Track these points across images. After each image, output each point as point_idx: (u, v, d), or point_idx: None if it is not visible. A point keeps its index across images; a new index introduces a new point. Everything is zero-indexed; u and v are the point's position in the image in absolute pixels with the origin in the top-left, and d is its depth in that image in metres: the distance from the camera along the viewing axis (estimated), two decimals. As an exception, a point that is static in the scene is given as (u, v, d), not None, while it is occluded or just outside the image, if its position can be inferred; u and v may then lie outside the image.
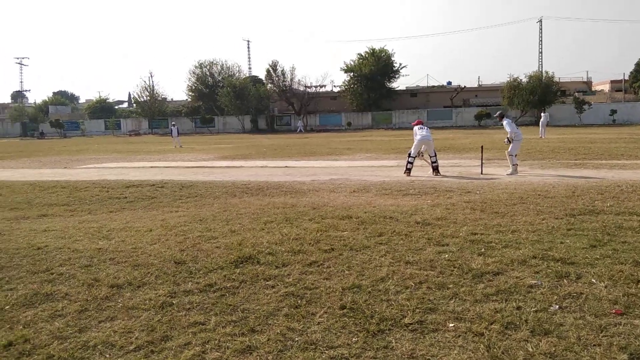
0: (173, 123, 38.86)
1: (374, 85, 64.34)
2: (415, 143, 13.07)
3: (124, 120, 75.30)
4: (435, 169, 12.97)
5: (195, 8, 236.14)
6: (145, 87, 72.84)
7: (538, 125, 32.09)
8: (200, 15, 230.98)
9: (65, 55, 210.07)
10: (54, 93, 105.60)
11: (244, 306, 4.22)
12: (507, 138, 12.94)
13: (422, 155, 13.47)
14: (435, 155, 13.15)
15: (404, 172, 12.98)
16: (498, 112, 14.13)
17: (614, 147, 20.41)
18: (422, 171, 13.38)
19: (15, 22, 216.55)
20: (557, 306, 4.02)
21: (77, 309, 4.25)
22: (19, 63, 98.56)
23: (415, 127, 13.49)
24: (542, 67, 73.12)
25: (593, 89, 77.58)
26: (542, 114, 32.11)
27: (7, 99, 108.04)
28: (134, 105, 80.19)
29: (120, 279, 4.97)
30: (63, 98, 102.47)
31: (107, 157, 23.40)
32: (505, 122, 13.16)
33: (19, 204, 9.92)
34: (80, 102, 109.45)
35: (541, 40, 77.58)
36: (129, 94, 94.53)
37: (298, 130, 60.02)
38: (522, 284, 4.52)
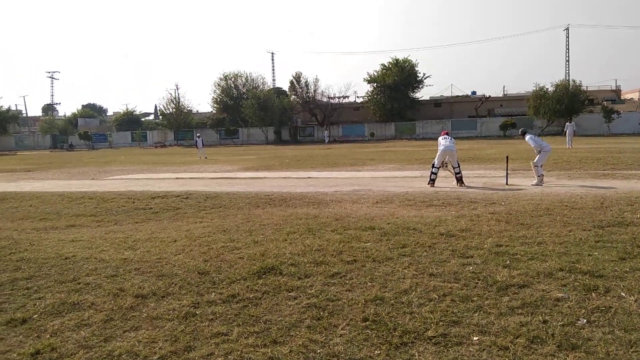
0: (198, 134, 39.59)
1: (397, 95, 64.16)
2: (438, 153, 13.01)
3: (150, 132, 76.57)
4: (459, 180, 12.84)
5: (221, 22, 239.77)
6: (171, 99, 74.16)
7: (565, 135, 31.52)
8: (226, 29, 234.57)
9: (94, 69, 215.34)
10: (83, 106, 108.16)
11: (266, 317, 4.24)
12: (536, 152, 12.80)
13: (446, 166, 13.37)
14: (459, 166, 13.03)
15: (428, 183, 12.90)
16: (520, 130, 13.98)
17: (645, 156, 19.92)
18: (446, 182, 13.27)
19: (47, 37, 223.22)
20: (585, 320, 3.93)
21: (103, 319, 4.32)
22: (50, 77, 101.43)
23: (440, 138, 13.45)
24: (569, 75, 72.06)
25: (622, 98, 75.98)
26: (568, 124, 31.43)
27: (39, 112, 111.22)
28: (160, 117, 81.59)
29: (145, 289, 5.03)
30: (92, 111, 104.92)
31: (134, 169, 23.82)
32: (527, 137, 13.01)
33: (48, 214, 10.16)
34: (108, 114, 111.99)
35: (568, 49, 76.52)
36: (155, 106, 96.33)
37: (327, 140, 60.29)
38: (549, 297, 4.43)
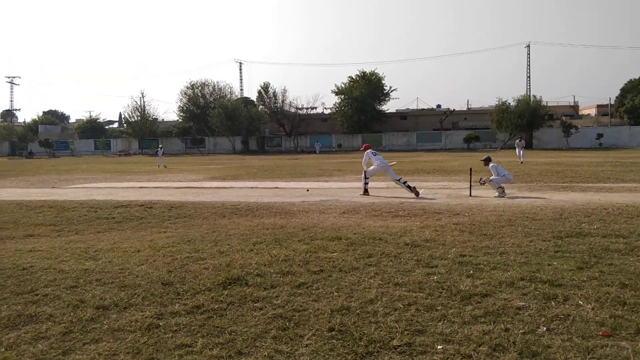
0: (160, 146, 39.79)
1: (364, 107, 64.97)
2: (373, 169, 13.76)
3: (114, 140, 75.14)
4: (410, 187, 13.23)
5: (189, 28, 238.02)
6: (136, 107, 72.97)
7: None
8: (193, 35, 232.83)
9: (56, 75, 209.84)
10: (44, 112, 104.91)
11: (231, 328, 4.19)
12: (484, 179, 12.96)
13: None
14: (399, 177, 13.65)
15: (363, 193, 13.53)
16: (485, 157, 13.84)
17: (601, 170, 20.66)
18: (428, 193, 13.43)
19: (7, 41, 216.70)
20: (545, 328, 4.02)
21: (62, 331, 4.18)
22: (9, 82, 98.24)
23: (369, 152, 14.12)
24: (530, 91, 74.17)
25: (580, 113, 78.87)
26: (517, 142, 32.03)
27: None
28: (125, 125, 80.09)
29: (107, 300, 4.91)
30: (53, 117, 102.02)
31: (96, 177, 23.26)
32: (491, 166, 13.07)
33: (5, 223, 9.81)
34: (70, 121, 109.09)
35: (529, 65, 78.80)
36: (120, 114, 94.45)
37: (317, 151, 60.18)
38: (510, 306, 4.52)
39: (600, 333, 3.90)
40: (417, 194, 12.90)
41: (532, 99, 58.48)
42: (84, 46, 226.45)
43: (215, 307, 4.69)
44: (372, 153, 14.06)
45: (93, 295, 5.07)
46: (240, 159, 44.96)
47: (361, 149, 15.08)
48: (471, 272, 5.62)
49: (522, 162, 28.81)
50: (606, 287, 5.00)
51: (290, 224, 9.04)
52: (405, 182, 13.33)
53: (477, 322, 4.19)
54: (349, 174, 22.11)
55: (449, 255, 6.34)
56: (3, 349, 3.87)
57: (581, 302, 4.58)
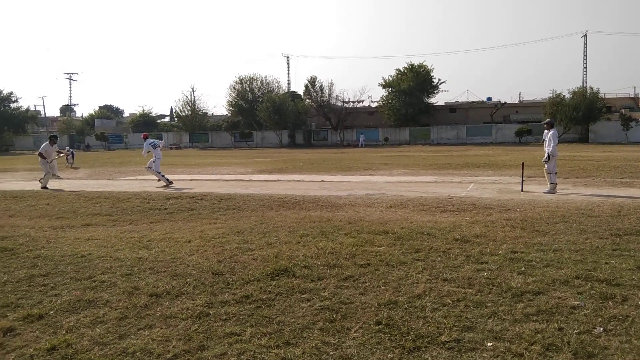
0: (67, 147, 34.77)
1: (412, 100, 64.00)
2: (157, 161, 15.48)
3: (165, 133, 77.21)
4: (168, 181, 15.25)
5: (239, 24, 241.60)
6: (187, 101, 74.75)
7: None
8: (243, 31, 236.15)
9: (112, 70, 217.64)
10: (100, 107, 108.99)
11: (279, 318, 4.24)
12: (548, 155, 12.48)
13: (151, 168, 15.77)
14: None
15: (166, 186, 14.93)
16: (548, 120, 13.28)
17: (663, 165, 19.61)
18: (478, 187, 13.16)
19: (66, 38, 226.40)
20: (602, 328, 3.87)
21: (118, 316, 4.36)
22: (68, 78, 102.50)
23: (151, 142, 15.79)
24: (586, 82, 71.24)
25: (640, 106, 74.94)
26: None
27: (57, 113, 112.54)
28: (176, 119, 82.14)
29: (160, 288, 5.07)
30: (108, 112, 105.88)
31: (149, 170, 23.96)
32: (552, 132, 12.60)
33: (64, 213, 10.29)
34: (124, 115, 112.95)
35: (586, 55, 75.67)
36: (171, 108, 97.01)
37: (360, 144, 59.94)
38: (565, 305, 4.38)
39: (662, 335, 3.72)
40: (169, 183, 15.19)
41: (588, 90, 56.07)
42: (138, 43, 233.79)
43: (264, 297, 4.77)
44: (152, 145, 15.60)
45: (147, 283, 5.26)
46: (287, 153, 45.31)
47: (142, 136, 16.85)
48: (523, 269, 5.47)
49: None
50: (669, 287, 4.76)
51: (337, 217, 9.05)
52: (164, 175, 15.53)
53: (529, 320, 4.08)
54: (395, 168, 21.90)
55: (500, 252, 6.19)
56: (64, 332, 4.07)
57: (641, 303, 4.38)
